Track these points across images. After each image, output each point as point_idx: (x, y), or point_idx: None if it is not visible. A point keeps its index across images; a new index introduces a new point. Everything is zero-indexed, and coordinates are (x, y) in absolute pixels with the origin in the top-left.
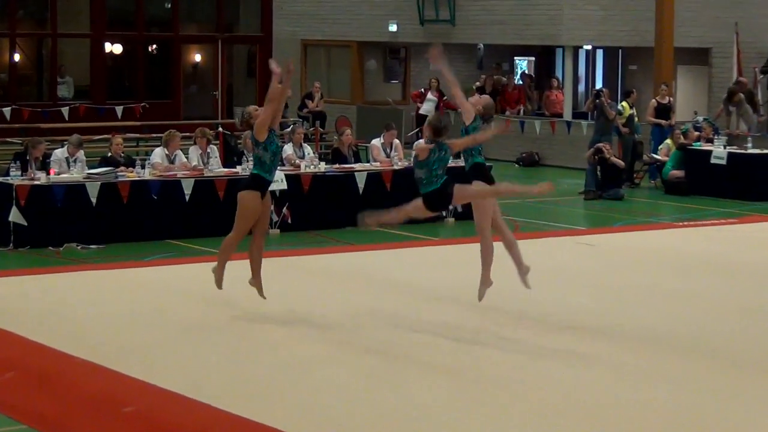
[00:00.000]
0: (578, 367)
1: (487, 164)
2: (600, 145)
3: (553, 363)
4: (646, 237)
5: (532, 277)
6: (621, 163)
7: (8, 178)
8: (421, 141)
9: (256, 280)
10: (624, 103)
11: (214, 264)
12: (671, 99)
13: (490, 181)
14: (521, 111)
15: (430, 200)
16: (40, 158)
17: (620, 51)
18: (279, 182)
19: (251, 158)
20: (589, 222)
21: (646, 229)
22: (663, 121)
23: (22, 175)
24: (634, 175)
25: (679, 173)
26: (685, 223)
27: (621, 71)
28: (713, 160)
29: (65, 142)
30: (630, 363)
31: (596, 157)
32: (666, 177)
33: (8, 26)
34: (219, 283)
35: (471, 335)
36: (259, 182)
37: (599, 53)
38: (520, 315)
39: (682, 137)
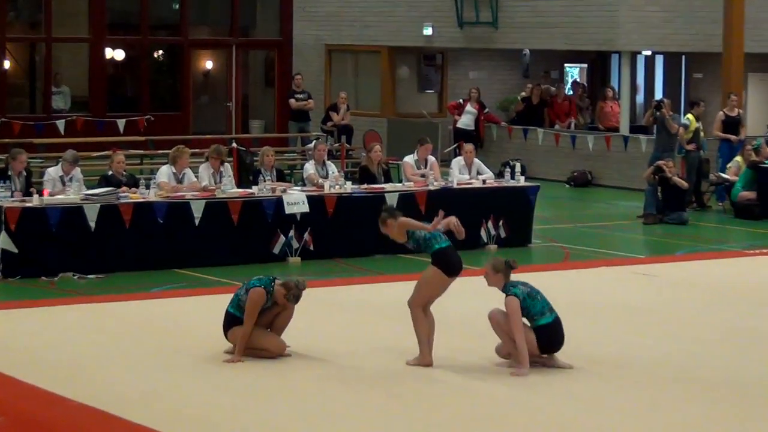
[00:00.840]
0: (645, 417)
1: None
2: (661, 162)
3: (612, 413)
4: (714, 267)
5: (584, 311)
6: (684, 183)
7: None
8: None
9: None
10: (689, 116)
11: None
12: (741, 111)
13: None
14: (572, 124)
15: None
16: (24, 173)
17: (683, 57)
18: (300, 204)
19: (268, 177)
20: (649, 249)
21: (713, 258)
22: (732, 136)
23: (12, 196)
24: (701, 197)
25: (750, 194)
26: (758, 250)
27: (684, 80)
28: None
29: (60, 160)
30: (697, 412)
31: (656, 176)
32: (735, 199)
33: None
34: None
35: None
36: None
37: (659, 60)
38: (572, 354)
39: (753, 154)
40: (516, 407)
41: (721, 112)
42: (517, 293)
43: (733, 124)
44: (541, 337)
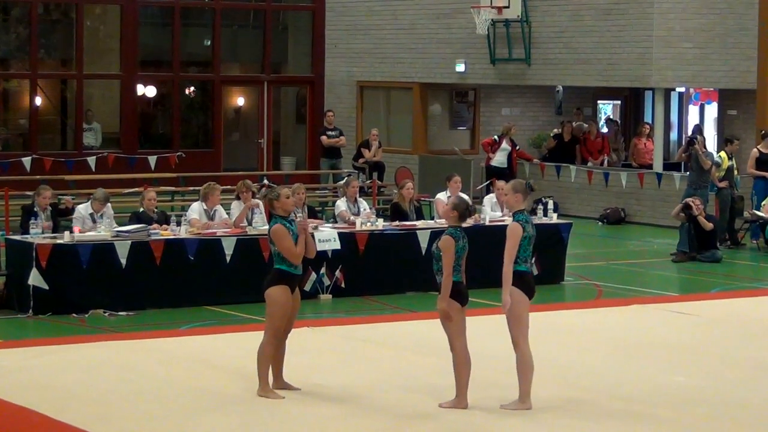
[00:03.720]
0: None
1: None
2: (689, 200)
3: None
4: (747, 304)
5: (616, 349)
6: (708, 224)
7: (27, 236)
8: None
9: (278, 383)
10: (722, 153)
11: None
12: None
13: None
14: (605, 161)
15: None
16: (49, 208)
17: (718, 94)
18: (331, 242)
19: (300, 213)
20: (682, 287)
21: (747, 296)
22: (766, 174)
23: (42, 232)
24: (735, 234)
25: None
26: None
27: (719, 117)
28: None
29: (90, 198)
30: None
31: (684, 214)
32: None
33: (29, 66)
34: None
35: (551, 413)
36: (286, 277)
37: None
38: (608, 394)
39: None
40: None
41: (755, 149)
42: (524, 226)
43: (767, 162)
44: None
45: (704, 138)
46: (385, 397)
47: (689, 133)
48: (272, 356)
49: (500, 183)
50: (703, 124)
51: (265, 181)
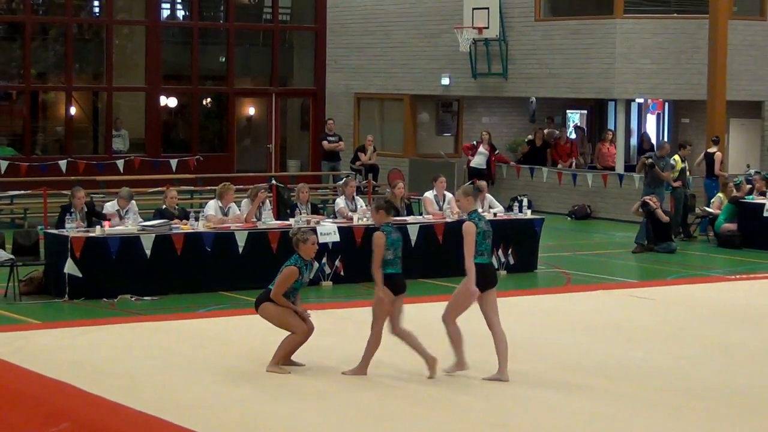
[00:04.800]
0: (637, 425)
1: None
2: (646, 198)
3: (608, 422)
4: (699, 290)
5: (584, 330)
6: (665, 217)
7: (64, 230)
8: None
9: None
10: (675, 157)
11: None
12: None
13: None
14: (573, 164)
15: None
16: (84, 207)
17: (672, 104)
18: (332, 235)
19: (304, 210)
20: (642, 275)
21: (699, 282)
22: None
23: (76, 228)
24: (688, 228)
25: (731, 226)
26: (738, 276)
27: (672, 124)
28: (766, 213)
29: (117, 196)
30: (683, 420)
31: (643, 210)
32: (718, 230)
33: (65, 80)
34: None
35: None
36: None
37: (652, 107)
38: (576, 368)
39: (734, 190)
40: (518, 418)
41: (718, 153)
42: (477, 224)
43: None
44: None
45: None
46: (379, 371)
47: (636, 140)
48: (292, 347)
49: (481, 183)
50: (660, 131)
51: (273, 181)
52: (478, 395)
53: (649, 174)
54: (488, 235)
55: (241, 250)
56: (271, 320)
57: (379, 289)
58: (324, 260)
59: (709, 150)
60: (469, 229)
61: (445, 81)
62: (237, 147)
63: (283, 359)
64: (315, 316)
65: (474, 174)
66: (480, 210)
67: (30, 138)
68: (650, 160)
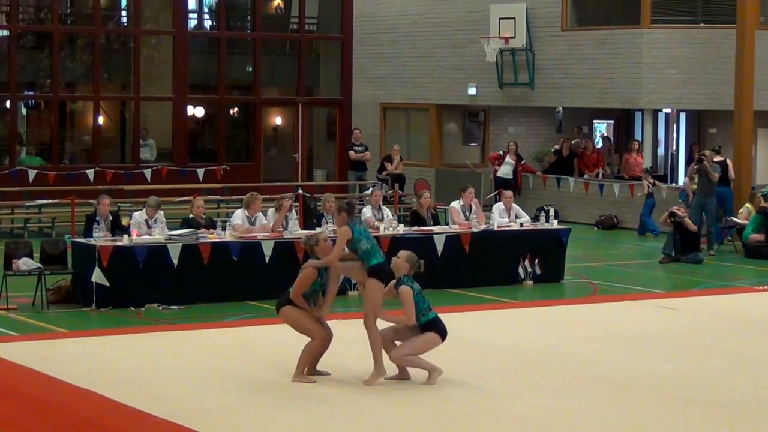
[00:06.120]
0: None
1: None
2: (674, 208)
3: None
4: (726, 301)
5: (610, 340)
6: (693, 226)
7: (91, 239)
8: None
9: (311, 371)
10: None
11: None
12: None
13: None
14: (600, 174)
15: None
16: (110, 216)
17: (700, 114)
18: None
19: (330, 220)
20: (669, 286)
21: (725, 293)
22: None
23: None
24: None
25: (759, 237)
26: (766, 287)
27: (700, 134)
28: None
29: (145, 205)
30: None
31: (671, 220)
32: (746, 240)
33: (92, 90)
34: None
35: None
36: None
37: (681, 116)
38: (603, 379)
39: (762, 200)
40: (543, 428)
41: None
42: (413, 287)
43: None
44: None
45: (715, 152)
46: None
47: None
48: (313, 354)
49: (507, 193)
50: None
51: (300, 191)
52: (504, 405)
53: (701, 176)
54: (421, 293)
55: (267, 259)
56: (290, 324)
57: (329, 261)
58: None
59: (716, 160)
60: (407, 293)
61: (472, 91)
62: (263, 156)
63: (307, 368)
64: (341, 325)
65: (500, 184)
66: (506, 219)
67: (58, 147)
68: (702, 156)
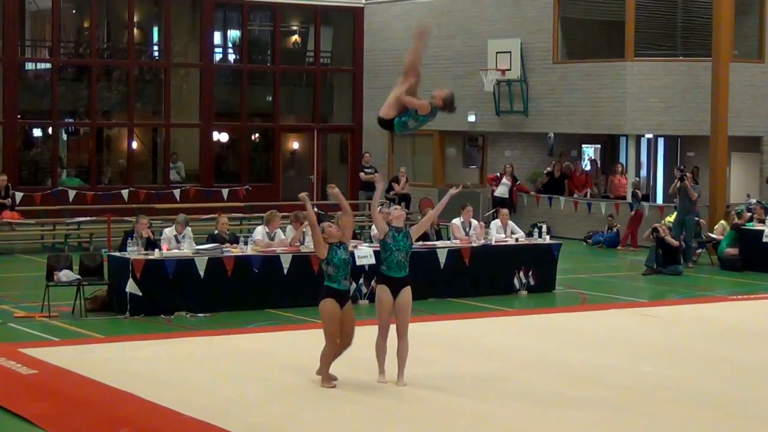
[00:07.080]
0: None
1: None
2: (657, 225)
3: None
4: (703, 309)
5: (598, 345)
6: (675, 242)
7: (125, 253)
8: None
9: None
10: None
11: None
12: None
13: None
14: (588, 194)
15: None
16: (144, 236)
17: (679, 139)
18: (368, 258)
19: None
20: (651, 295)
21: (703, 302)
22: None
23: (136, 252)
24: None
25: (733, 251)
26: (740, 296)
27: (679, 157)
28: (765, 239)
29: (174, 222)
30: (687, 427)
31: (653, 235)
32: (721, 254)
33: (127, 117)
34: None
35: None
36: (330, 293)
37: (660, 141)
38: (590, 381)
39: (735, 218)
40: (534, 427)
41: None
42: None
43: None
44: None
45: (694, 173)
46: (415, 382)
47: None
48: (328, 359)
49: (504, 211)
50: (667, 164)
51: (315, 209)
52: (496, 405)
53: (682, 194)
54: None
55: (285, 271)
56: (321, 317)
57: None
58: (361, 281)
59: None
60: None
61: (471, 118)
62: (282, 178)
63: (326, 372)
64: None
65: (498, 203)
66: (503, 235)
67: (96, 170)
68: (681, 174)
